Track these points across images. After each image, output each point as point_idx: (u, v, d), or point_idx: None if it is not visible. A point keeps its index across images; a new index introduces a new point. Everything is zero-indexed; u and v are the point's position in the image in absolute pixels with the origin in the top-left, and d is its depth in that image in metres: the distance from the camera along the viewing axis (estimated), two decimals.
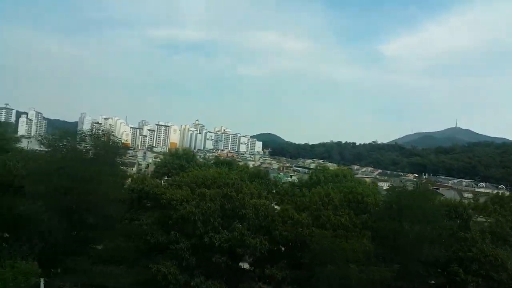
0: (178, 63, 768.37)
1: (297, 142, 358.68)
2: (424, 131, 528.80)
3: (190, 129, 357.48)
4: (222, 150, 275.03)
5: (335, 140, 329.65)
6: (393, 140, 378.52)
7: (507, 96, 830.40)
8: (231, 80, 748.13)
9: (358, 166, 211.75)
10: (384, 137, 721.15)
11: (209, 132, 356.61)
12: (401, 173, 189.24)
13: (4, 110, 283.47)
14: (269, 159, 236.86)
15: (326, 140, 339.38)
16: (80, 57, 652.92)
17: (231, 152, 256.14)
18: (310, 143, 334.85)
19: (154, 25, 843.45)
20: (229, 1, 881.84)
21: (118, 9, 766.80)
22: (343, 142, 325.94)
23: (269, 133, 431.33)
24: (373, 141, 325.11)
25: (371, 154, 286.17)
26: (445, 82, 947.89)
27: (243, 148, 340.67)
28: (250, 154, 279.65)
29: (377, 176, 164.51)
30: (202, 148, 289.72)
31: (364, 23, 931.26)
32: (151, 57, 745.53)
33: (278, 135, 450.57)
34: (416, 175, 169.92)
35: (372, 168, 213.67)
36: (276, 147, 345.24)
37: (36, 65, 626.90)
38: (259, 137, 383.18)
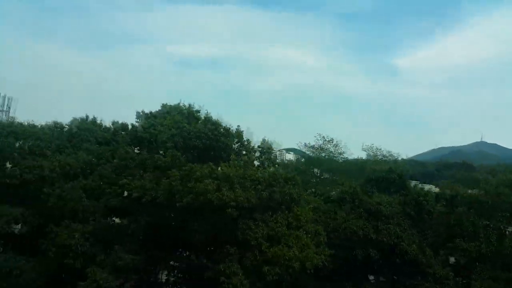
0: (191, 79, 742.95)
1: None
2: (449, 146, 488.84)
3: None
4: None
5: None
6: (418, 155, 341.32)
7: None
8: (243, 94, 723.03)
9: None
10: (406, 151, 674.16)
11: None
12: None
13: None
14: None
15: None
16: (101, 73, 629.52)
17: None
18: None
19: (170, 41, 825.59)
20: (246, 16, 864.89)
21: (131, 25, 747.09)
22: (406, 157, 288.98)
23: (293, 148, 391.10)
24: (441, 159, 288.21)
25: (442, 173, 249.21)
26: (465, 94, 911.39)
27: None
28: None
29: None
30: None
31: (379, 37, 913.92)
32: (164, 73, 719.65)
33: (300, 148, 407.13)
34: None
35: None
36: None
37: (51, 79, 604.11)
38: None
